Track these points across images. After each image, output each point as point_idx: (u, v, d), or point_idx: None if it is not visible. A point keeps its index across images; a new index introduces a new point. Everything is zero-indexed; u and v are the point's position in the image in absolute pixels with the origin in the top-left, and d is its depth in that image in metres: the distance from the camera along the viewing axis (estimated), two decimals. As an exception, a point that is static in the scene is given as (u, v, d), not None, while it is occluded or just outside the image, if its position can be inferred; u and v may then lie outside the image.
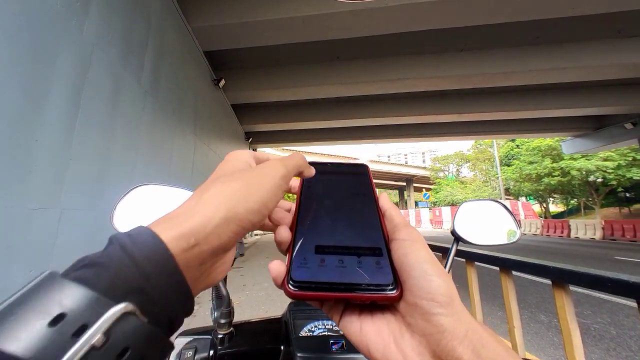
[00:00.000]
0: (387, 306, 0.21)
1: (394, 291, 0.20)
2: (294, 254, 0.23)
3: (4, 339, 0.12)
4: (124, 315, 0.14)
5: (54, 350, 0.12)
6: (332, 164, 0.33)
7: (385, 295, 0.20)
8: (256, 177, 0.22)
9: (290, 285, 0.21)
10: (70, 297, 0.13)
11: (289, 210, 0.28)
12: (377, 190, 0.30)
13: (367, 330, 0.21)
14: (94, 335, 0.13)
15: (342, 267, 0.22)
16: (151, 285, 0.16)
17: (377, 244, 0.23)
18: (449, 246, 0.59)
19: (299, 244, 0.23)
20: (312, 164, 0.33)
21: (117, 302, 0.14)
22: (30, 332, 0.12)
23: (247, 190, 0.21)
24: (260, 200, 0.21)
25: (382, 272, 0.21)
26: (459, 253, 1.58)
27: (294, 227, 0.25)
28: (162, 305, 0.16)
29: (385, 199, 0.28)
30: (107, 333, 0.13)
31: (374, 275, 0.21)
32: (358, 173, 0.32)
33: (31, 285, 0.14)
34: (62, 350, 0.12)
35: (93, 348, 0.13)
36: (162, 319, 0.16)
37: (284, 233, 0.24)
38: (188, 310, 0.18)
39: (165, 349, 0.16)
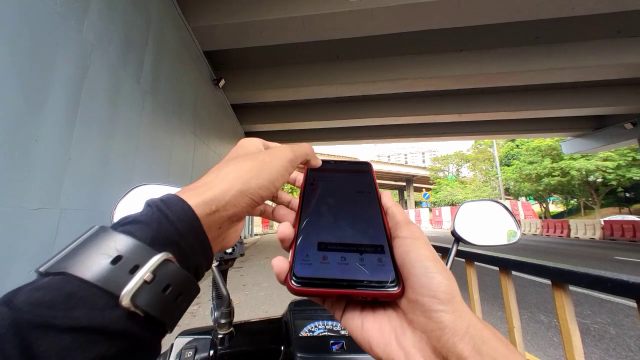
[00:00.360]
0: (388, 303, 0.22)
1: (396, 288, 0.20)
2: (297, 250, 0.23)
3: (80, 270, 0.16)
4: (165, 261, 0.18)
5: (117, 281, 0.16)
6: (335, 161, 0.33)
7: (387, 292, 0.20)
8: (267, 158, 0.25)
9: (293, 281, 0.21)
10: (124, 244, 0.17)
11: (289, 206, 0.29)
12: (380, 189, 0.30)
13: (369, 326, 0.21)
14: (145, 272, 0.17)
15: (345, 264, 0.22)
16: (183, 240, 0.19)
17: (379, 241, 0.24)
18: (449, 246, 0.59)
19: (301, 240, 0.24)
20: None
21: (159, 251, 0.18)
22: (99, 266, 0.16)
23: (259, 169, 0.24)
24: (269, 178, 0.24)
25: (384, 269, 0.21)
26: (459, 253, 1.58)
27: (297, 224, 0.25)
28: (191, 257, 0.20)
29: (388, 196, 0.28)
30: (155, 272, 0.17)
31: (376, 272, 0.21)
32: (361, 171, 0.32)
33: (87, 235, 0.18)
34: (123, 282, 0.16)
35: (145, 282, 0.16)
36: (191, 268, 0.20)
37: (287, 229, 0.24)
38: (209, 264, 0.22)
39: (195, 291, 0.20)
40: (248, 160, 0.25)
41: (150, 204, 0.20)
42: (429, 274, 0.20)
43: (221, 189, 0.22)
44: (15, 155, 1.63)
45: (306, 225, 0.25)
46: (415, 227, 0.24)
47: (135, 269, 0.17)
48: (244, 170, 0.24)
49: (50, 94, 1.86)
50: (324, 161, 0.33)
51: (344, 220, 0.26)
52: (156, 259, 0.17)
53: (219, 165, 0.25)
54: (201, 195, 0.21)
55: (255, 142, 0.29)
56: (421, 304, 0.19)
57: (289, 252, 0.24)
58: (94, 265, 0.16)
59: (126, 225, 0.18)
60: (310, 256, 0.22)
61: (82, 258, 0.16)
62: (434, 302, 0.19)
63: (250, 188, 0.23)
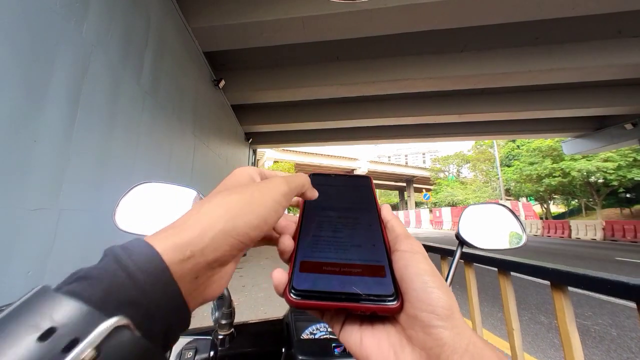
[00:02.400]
0: (387, 318, 0.22)
1: (395, 302, 0.20)
2: (296, 263, 0.23)
3: None
4: (117, 329, 0.13)
5: None
6: (335, 175, 0.34)
7: (386, 307, 0.20)
8: (258, 192, 0.22)
9: (291, 294, 0.21)
10: (62, 311, 0.13)
11: (292, 220, 0.29)
12: (380, 201, 0.31)
13: (368, 342, 0.21)
14: (84, 349, 0.12)
15: (344, 277, 0.22)
16: (146, 297, 0.15)
17: (378, 255, 0.24)
18: (448, 247, 0.59)
19: (301, 253, 0.24)
20: (315, 175, 0.33)
21: (110, 315, 0.14)
22: (18, 347, 0.12)
23: (248, 204, 0.21)
24: (260, 215, 0.21)
25: (383, 283, 0.22)
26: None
27: (297, 237, 0.25)
28: (157, 318, 0.16)
29: (388, 210, 0.28)
30: (99, 348, 0.13)
31: (375, 286, 0.21)
32: (361, 185, 0.33)
33: (23, 300, 0.14)
34: None
35: None
36: (157, 333, 0.16)
37: (287, 242, 0.24)
38: (184, 323, 0.18)
39: None
40: (235, 194, 0.22)
41: (107, 253, 0.17)
42: (427, 289, 0.20)
43: (199, 229, 0.18)
44: (14, 155, 1.63)
45: (306, 238, 0.25)
46: (414, 240, 0.24)
47: (72, 345, 0.12)
48: (230, 206, 0.20)
49: (49, 94, 1.86)
50: (324, 175, 0.33)
51: (344, 234, 0.26)
52: (103, 328, 0.13)
53: (204, 199, 0.22)
54: (173, 237, 0.18)
55: (250, 172, 0.26)
56: (420, 320, 0.19)
57: (288, 264, 0.24)
58: (13, 347, 0.12)
59: (74, 283, 0.15)
60: (309, 269, 0.22)
61: (3, 336, 0.12)
62: (433, 318, 0.19)
63: (237, 227, 0.20)
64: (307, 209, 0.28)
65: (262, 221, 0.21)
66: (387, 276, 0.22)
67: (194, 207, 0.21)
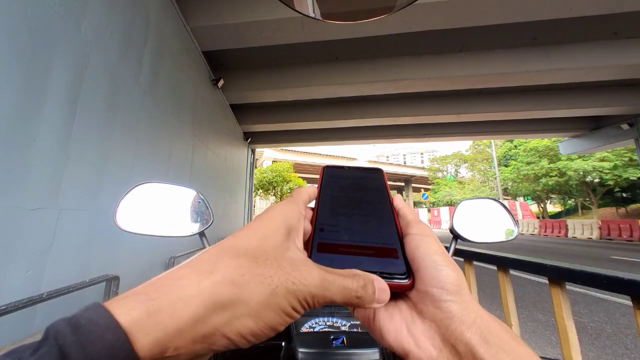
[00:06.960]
0: (399, 294, 0.23)
1: (407, 280, 0.22)
2: (314, 244, 0.24)
3: None
4: None
5: None
6: (349, 167, 0.36)
7: (398, 284, 0.22)
8: (252, 285, 0.16)
9: None
10: None
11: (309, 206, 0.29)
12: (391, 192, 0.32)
13: (380, 316, 0.22)
14: None
15: (359, 258, 0.24)
16: None
17: (391, 239, 0.25)
18: (445, 245, 0.60)
19: (319, 235, 0.25)
20: (329, 167, 0.35)
21: None
22: None
23: (237, 299, 0.15)
24: (268, 325, 0.16)
25: (395, 263, 0.23)
26: (458, 252, 1.59)
27: (314, 221, 0.27)
28: None
29: (399, 199, 0.30)
30: None
31: (388, 265, 0.23)
32: (374, 176, 0.35)
33: None
34: None
35: None
36: None
37: (305, 225, 0.25)
38: None
39: None
40: (239, 267, 0.16)
41: (47, 335, 0.11)
42: (437, 267, 0.21)
43: (190, 314, 0.13)
44: (13, 155, 1.63)
45: (323, 222, 0.27)
46: (424, 225, 0.26)
47: None
48: (232, 295, 0.15)
49: (48, 93, 1.85)
50: (339, 167, 0.35)
51: (358, 219, 0.28)
52: None
53: (201, 258, 0.16)
54: (155, 323, 0.12)
55: (289, 221, 0.21)
56: (430, 295, 0.20)
57: (306, 247, 0.25)
58: None
59: None
60: (326, 250, 0.24)
61: None
62: (443, 293, 0.20)
63: (236, 329, 0.15)
64: (323, 195, 0.30)
65: (268, 329, 0.16)
66: (399, 257, 0.24)
67: (198, 265, 0.15)
